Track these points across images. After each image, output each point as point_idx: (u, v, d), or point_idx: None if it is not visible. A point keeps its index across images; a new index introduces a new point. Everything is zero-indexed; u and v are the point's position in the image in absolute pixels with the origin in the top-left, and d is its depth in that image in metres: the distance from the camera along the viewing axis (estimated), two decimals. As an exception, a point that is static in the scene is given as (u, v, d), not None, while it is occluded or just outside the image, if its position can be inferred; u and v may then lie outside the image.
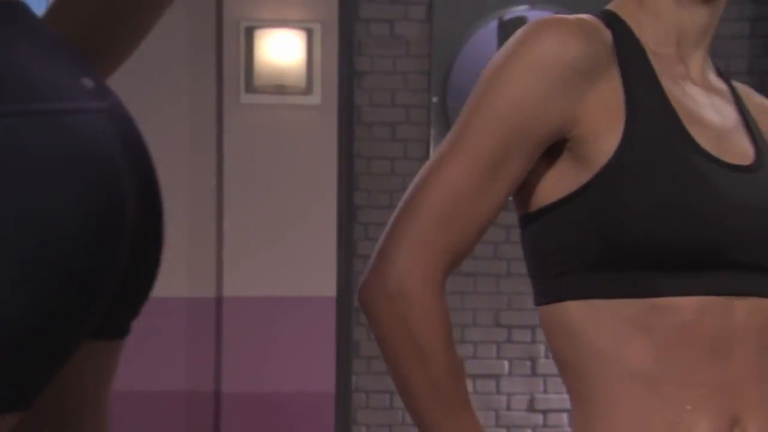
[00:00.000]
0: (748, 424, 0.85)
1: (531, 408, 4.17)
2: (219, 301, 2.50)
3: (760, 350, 0.89)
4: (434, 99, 4.16)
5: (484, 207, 0.83)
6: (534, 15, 4.14)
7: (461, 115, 0.84)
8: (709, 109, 0.93)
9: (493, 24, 4.12)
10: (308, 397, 2.47)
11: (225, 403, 2.47)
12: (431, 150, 4.23)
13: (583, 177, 0.84)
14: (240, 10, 2.36)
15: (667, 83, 0.89)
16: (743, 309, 0.87)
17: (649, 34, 0.90)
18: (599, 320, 0.85)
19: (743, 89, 1.02)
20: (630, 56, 0.87)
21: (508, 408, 4.17)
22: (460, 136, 0.84)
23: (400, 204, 0.85)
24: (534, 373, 4.15)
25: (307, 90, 2.43)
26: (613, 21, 0.89)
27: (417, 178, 0.85)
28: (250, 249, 2.36)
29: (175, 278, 2.54)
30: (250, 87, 2.39)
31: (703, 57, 0.96)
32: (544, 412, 4.16)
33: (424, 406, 0.84)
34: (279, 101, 2.41)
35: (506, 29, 4.14)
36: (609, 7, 0.93)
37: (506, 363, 4.18)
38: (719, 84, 0.98)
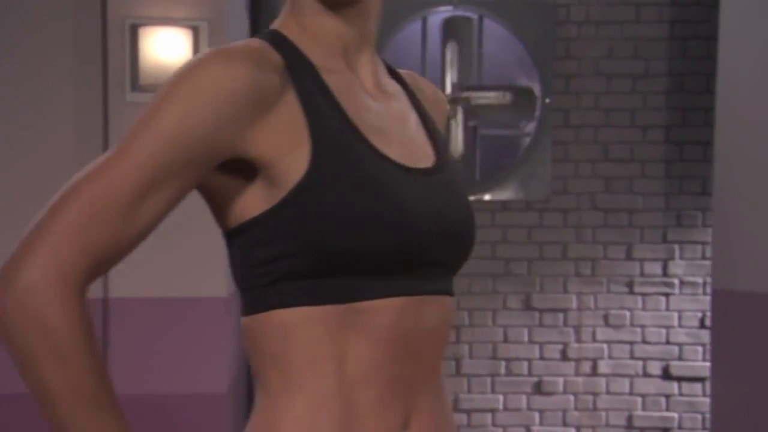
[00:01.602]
0: (414, 423, 0.88)
1: (455, 408, 4.18)
2: (106, 302, 2.47)
3: (437, 349, 0.91)
4: (357, 99, 4.15)
5: (137, 219, 0.83)
6: (458, 14, 4.15)
7: (129, 129, 0.85)
8: (387, 117, 0.94)
9: (417, 24, 4.12)
10: (199, 399, 2.44)
11: (112, 405, 2.42)
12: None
13: (278, 194, 0.86)
14: (124, 8, 2.34)
15: (342, 98, 0.90)
16: (431, 308, 0.90)
17: (316, 51, 0.92)
18: (308, 325, 0.87)
19: (414, 80, 1.04)
20: (303, 77, 0.89)
21: (433, 408, 4.18)
22: (125, 146, 0.84)
23: (51, 201, 0.83)
24: (458, 372, 4.16)
25: (194, 89, 2.40)
26: (281, 43, 0.91)
27: (71, 180, 0.83)
28: (137, 249, 2.32)
29: (62, 279, 2.48)
30: (136, 85, 2.36)
31: (371, 62, 0.96)
32: (468, 411, 4.17)
33: (64, 409, 0.81)
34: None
35: (450, 27, 4.15)
36: (273, 27, 0.95)
37: (430, 363, 4.19)
38: (393, 85, 0.99)
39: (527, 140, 4.13)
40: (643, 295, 4.17)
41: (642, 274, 4.18)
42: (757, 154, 3.19)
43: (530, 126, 4.13)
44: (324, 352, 0.87)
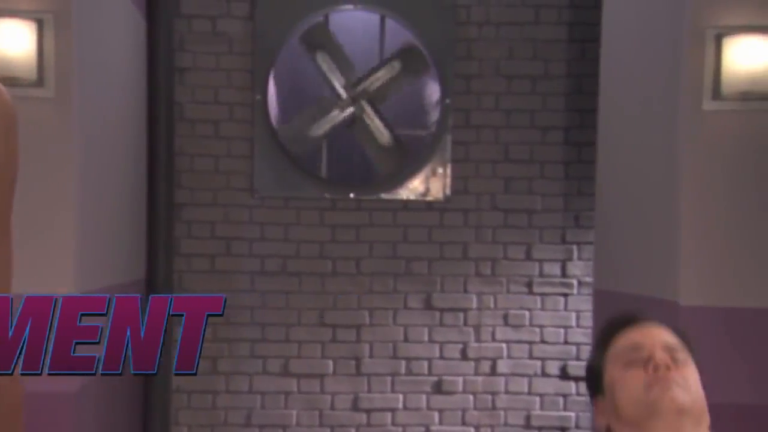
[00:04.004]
0: None
1: (355, 407, 4.17)
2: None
3: None
4: (258, 97, 4.12)
5: None
6: (358, 14, 4.14)
7: None
8: None
9: (318, 21, 4.09)
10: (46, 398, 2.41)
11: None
12: (255, 148, 4.20)
13: None
14: (-34, 0, 2.30)
15: None
16: None
17: None
18: None
19: None
20: None
21: (332, 407, 4.16)
22: None
23: None
24: (358, 372, 4.15)
25: (39, 82, 2.36)
26: None
27: None
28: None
29: None
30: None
31: None
32: (368, 411, 4.16)
33: None
34: (9, 93, 2.32)
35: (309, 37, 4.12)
36: None
37: (331, 362, 4.17)
38: None
39: (428, 140, 4.13)
40: (542, 295, 4.19)
41: (541, 275, 4.19)
42: (633, 155, 3.21)
43: (431, 125, 4.13)
44: None
